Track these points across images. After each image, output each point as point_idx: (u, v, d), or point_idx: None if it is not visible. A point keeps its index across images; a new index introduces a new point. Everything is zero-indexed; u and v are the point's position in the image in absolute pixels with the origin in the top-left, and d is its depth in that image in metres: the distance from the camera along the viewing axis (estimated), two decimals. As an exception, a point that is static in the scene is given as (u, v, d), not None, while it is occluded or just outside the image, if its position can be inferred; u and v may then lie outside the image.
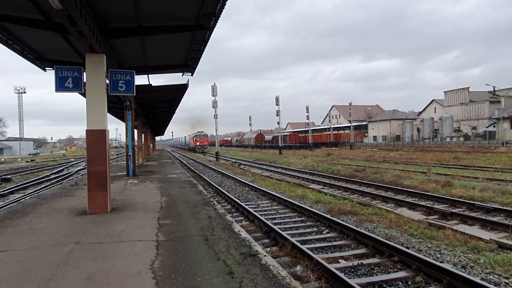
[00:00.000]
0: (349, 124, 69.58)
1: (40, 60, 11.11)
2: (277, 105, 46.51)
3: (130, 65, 12.38)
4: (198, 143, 65.89)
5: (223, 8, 8.14)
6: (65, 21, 6.40)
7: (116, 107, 20.65)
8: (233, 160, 35.52)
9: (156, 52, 11.75)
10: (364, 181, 15.96)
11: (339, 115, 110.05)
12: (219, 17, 8.62)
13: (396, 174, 17.86)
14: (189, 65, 13.11)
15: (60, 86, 8.13)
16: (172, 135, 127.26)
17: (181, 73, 14.39)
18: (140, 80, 26.48)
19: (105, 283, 4.21)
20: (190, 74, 14.37)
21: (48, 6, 6.56)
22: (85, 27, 6.81)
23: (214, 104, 33.94)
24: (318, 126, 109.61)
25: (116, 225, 7.01)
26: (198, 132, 67.82)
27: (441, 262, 5.90)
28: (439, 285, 5.03)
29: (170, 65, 13.29)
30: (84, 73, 8.24)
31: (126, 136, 16.14)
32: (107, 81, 8.74)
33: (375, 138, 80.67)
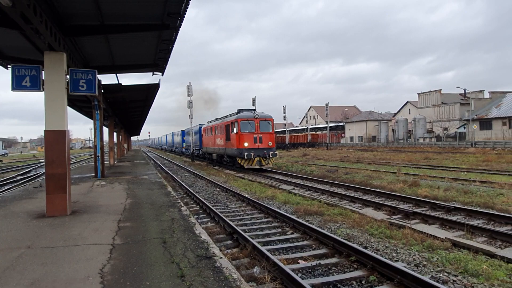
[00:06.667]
0: (326, 125, 70.40)
1: (1, 57, 10.71)
2: (253, 105, 46.59)
3: (96, 64, 12.12)
4: (246, 143, 22.30)
5: (187, 7, 8.09)
6: (18, 18, 6.18)
7: (85, 106, 20.19)
8: (208, 160, 35.31)
9: (123, 51, 11.55)
10: (335, 182, 16.16)
11: (317, 115, 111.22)
12: (184, 16, 8.57)
13: (367, 174, 18.15)
14: (158, 64, 12.96)
15: (17, 85, 7.84)
16: (149, 135, 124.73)
17: (151, 73, 14.23)
18: (111, 79, 25.93)
19: (48, 289, 4.09)
20: (160, 73, 14.22)
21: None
22: (40, 25, 6.61)
23: (189, 104, 33.69)
24: (296, 126, 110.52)
25: (73, 228, 6.83)
26: (240, 111, 24.16)
27: (395, 261, 6.03)
28: (390, 284, 5.14)
29: (139, 64, 13.10)
30: (43, 72, 8.00)
31: (94, 136, 15.79)
32: (68, 80, 8.50)
33: (351, 138, 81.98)
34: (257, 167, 22.28)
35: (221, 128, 26.07)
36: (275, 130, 24.19)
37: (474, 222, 8.43)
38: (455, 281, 5.20)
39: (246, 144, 22.24)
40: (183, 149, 46.99)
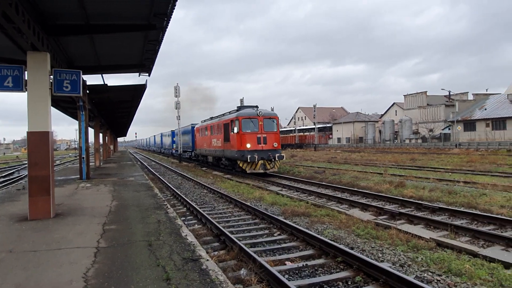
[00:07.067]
0: (314, 126, 70.80)
1: (-19, 57, 10.46)
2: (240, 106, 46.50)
3: (81, 64, 11.94)
4: (248, 144, 19.82)
5: (174, 8, 8.03)
6: (-1, 17, 6.05)
7: (70, 107, 19.88)
8: (196, 162, 35.16)
9: (108, 51, 11.42)
10: (323, 183, 16.25)
11: (305, 117, 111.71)
12: (171, 17, 8.50)
13: (354, 175, 18.28)
14: (145, 65, 12.84)
15: (-1, 85, 7.67)
16: (136, 136, 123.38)
17: (137, 73, 14.11)
18: (97, 80, 25.43)
19: (30, 294, 4.00)
20: (147, 74, 14.10)
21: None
22: (23, 24, 6.48)
23: (177, 105, 33.49)
24: (284, 128, 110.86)
25: (57, 231, 6.71)
26: (241, 108, 22.55)
27: (381, 261, 6.09)
28: (376, 284, 5.19)
29: (125, 64, 12.97)
30: (26, 72, 7.85)
31: (80, 137, 15.56)
32: (52, 81, 8.36)
33: (339, 139, 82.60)
34: (261, 171, 19.75)
35: (219, 127, 23.47)
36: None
37: (458, 222, 8.58)
38: (439, 280, 5.28)
39: (248, 146, 19.63)
40: (173, 151, 43.34)
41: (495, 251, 6.45)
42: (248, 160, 19.05)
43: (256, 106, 21.74)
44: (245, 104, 33.87)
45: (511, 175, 17.14)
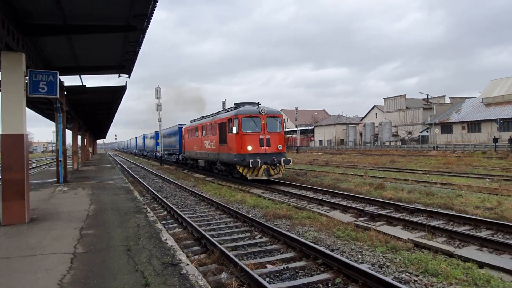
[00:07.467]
0: (296, 129, 71.31)
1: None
2: (224, 109, 46.36)
3: (58, 64, 11.66)
4: (250, 147, 17.09)
5: (154, 9, 7.95)
6: (-29, 15, 5.86)
7: (47, 109, 19.40)
8: (178, 165, 34.83)
9: (87, 52, 11.20)
10: (304, 185, 16.32)
11: (287, 119, 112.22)
12: (151, 18, 8.41)
13: (335, 177, 18.44)
14: (124, 66, 12.64)
15: (-29, 86, 7.42)
16: (116, 138, 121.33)
17: (117, 75, 13.88)
18: (76, 81, 24.90)
19: (1, 303, 3.87)
20: (127, 76, 13.88)
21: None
22: (-4, 23, 6.29)
23: (158, 107, 33.15)
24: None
25: (32, 237, 6.52)
26: (239, 105, 19.14)
27: (361, 263, 6.16)
28: (355, 285, 5.24)
29: (105, 66, 12.75)
30: (0, 73, 7.63)
31: (57, 140, 15.18)
32: (27, 82, 8.13)
33: (321, 142, 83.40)
34: (264, 177, 17.17)
35: (212, 127, 20.81)
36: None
37: (435, 223, 8.77)
38: (416, 281, 5.38)
39: (249, 148, 16.90)
40: (157, 154, 39.16)
41: (470, 251, 6.62)
42: (250, 165, 16.44)
43: (258, 103, 18.89)
44: (232, 104, 32.29)
45: (486, 177, 17.67)
